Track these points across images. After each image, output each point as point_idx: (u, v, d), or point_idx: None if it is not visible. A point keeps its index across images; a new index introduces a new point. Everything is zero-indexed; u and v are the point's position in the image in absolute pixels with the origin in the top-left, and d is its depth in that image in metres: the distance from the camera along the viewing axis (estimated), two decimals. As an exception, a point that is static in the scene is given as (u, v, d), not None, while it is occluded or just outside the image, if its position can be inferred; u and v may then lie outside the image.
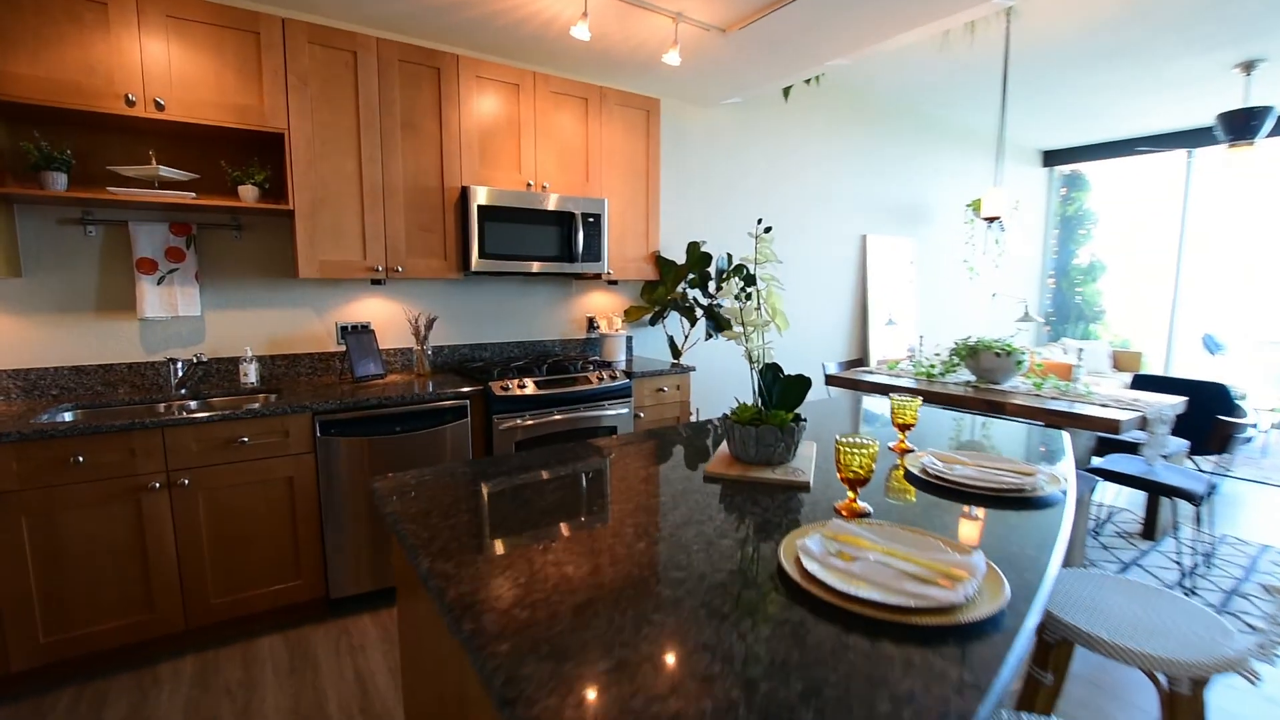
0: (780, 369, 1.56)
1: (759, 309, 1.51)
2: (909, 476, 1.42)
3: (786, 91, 4.05)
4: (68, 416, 2.25)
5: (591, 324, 3.74)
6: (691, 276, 3.71)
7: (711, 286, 3.68)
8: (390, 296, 3.07)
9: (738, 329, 1.51)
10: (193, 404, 2.47)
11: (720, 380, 4.30)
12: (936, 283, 5.78)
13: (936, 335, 5.66)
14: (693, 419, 3.77)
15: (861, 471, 1.18)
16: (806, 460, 1.52)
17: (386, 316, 3.07)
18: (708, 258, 3.63)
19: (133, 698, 2.01)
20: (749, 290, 1.48)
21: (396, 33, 2.91)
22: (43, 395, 2.37)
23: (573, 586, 0.92)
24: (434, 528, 1.14)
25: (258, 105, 2.38)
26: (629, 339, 3.87)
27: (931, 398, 3.09)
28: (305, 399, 2.39)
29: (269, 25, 2.36)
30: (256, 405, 2.28)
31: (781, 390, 1.52)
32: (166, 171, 2.28)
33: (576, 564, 0.99)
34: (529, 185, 3.06)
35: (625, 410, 3.11)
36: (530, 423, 2.81)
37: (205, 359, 2.61)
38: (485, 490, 1.34)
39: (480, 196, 2.83)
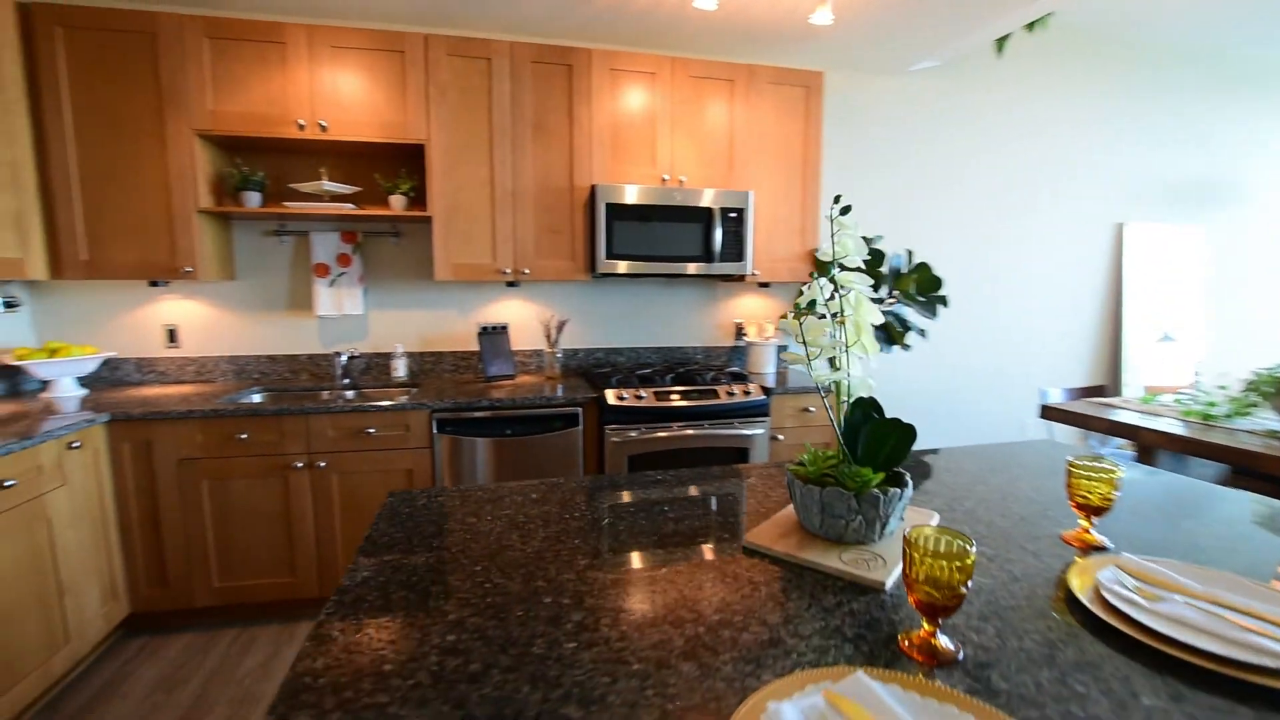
0: (876, 407, 1.11)
1: (842, 322, 1.09)
2: (1072, 600, 0.88)
3: (1000, 44, 3.21)
4: (257, 398, 2.65)
5: (740, 331, 3.39)
6: (859, 278, 3.14)
7: (884, 290, 3.07)
8: (526, 298, 3.11)
9: (797, 350, 1.10)
10: (349, 394, 2.75)
11: (889, 401, 3.60)
12: (1245, 288, 4.18)
13: (1238, 359, 4.08)
14: (849, 447, 3.19)
15: (939, 595, 0.72)
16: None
17: (523, 318, 3.11)
18: (879, 256, 3.03)
19: (269, 650, 2.26)
20: (808, 300, 1.07)
21: (529, 35, 2.90)
22: (246, 377, 2.84)
23: (419, 698, 0.67)
24: (379, 566, 0.99)
25: (402, 120, 2.54)
26: (781, 349, 3.43)
27: (1204, 450, 2.14)
28: (431, 395, 2.49)
29: (413, 43, 2.51)
30: (393, 400, 2.43)
31: (870, 439, 1.07)
32: (331, 186, 2.55)
33: (460, 659, 0.74)
34: (664, 180, 2.84)
35: (760, 431, 2.72)
36: (646, 436, 2.59)
37: (358, 354, 2.89)
38: (474, 524, 1.16)
39: (608, 195, 2.69)
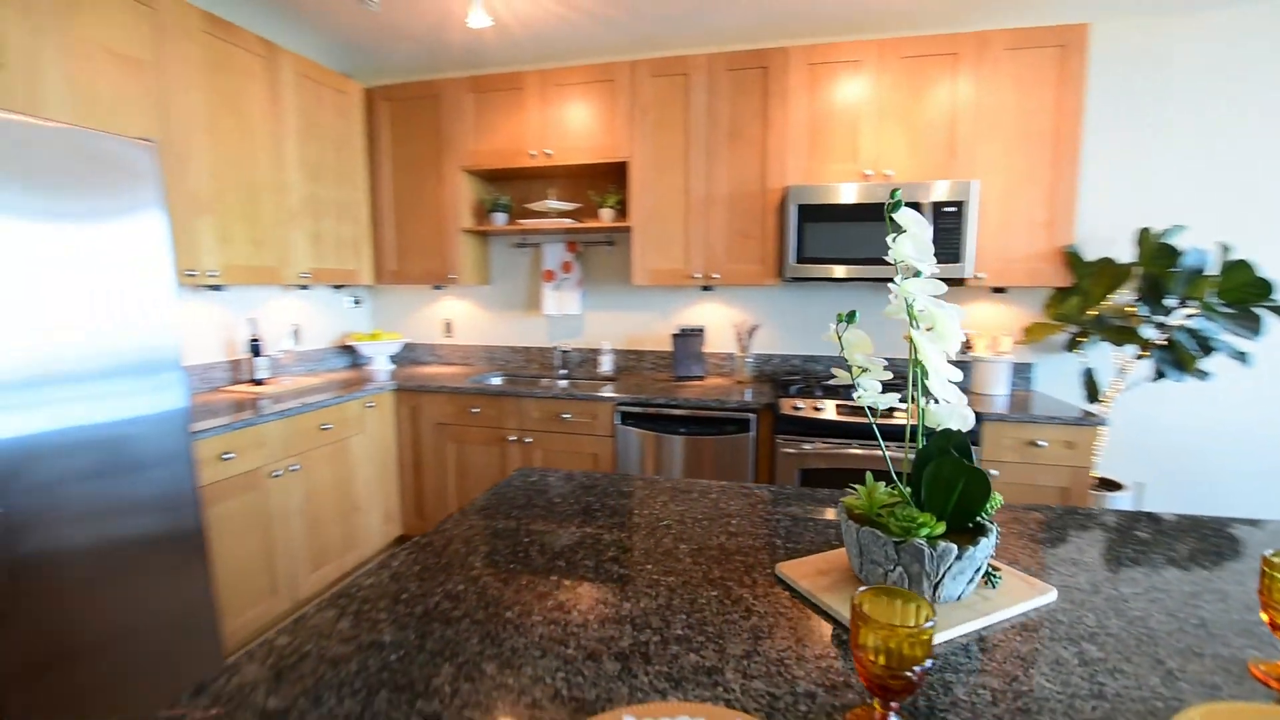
0: (960, 445, 0.92)
1: (908, 338, 0.93)
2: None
3: None
4: (496, 380, 3.25)
5: (966, 344, 2.91)
6: (1139, 284, 2.43)
7: (1172, 299, 2.31)
8: (722, 302, 3.16)
9: (841, 370, 0.96)
10: (562, 383, 3.17)
11: (1177, 444, 2.68)
12: None
13: None
14: (1099, 499, 2.49)
15: (880, 669, 0.60)
16: (973, 611, 0.85)
17: (717, 322, 3.17)
18: (1169, 253, 2.30)
19: (482, 587, 2.78)
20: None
21: (726, 44, 2.93)
22: (495, 363, 3.50)
23: (403, 623, 0.82)
24: (461, 522, 1.19)
25: (610, 141, 2.83)
26: (1019, 368, 2.83)
27: None
28: (622, 390, 2.74)
29: (620, 71, 2.78)
30: (585, 391, 2.76)
31: (933, 480, 0.89)
32: (554, 204, 2.99)
33: (451, 604, 0.87)
34: (866, 175, 2.61)
35: (964, 462, 2.32)
36: (821, 451, 2.44)
37: (569, 348, 3.31)
38: (556, 504, 1.29)
39: (799, 196, 2.59)
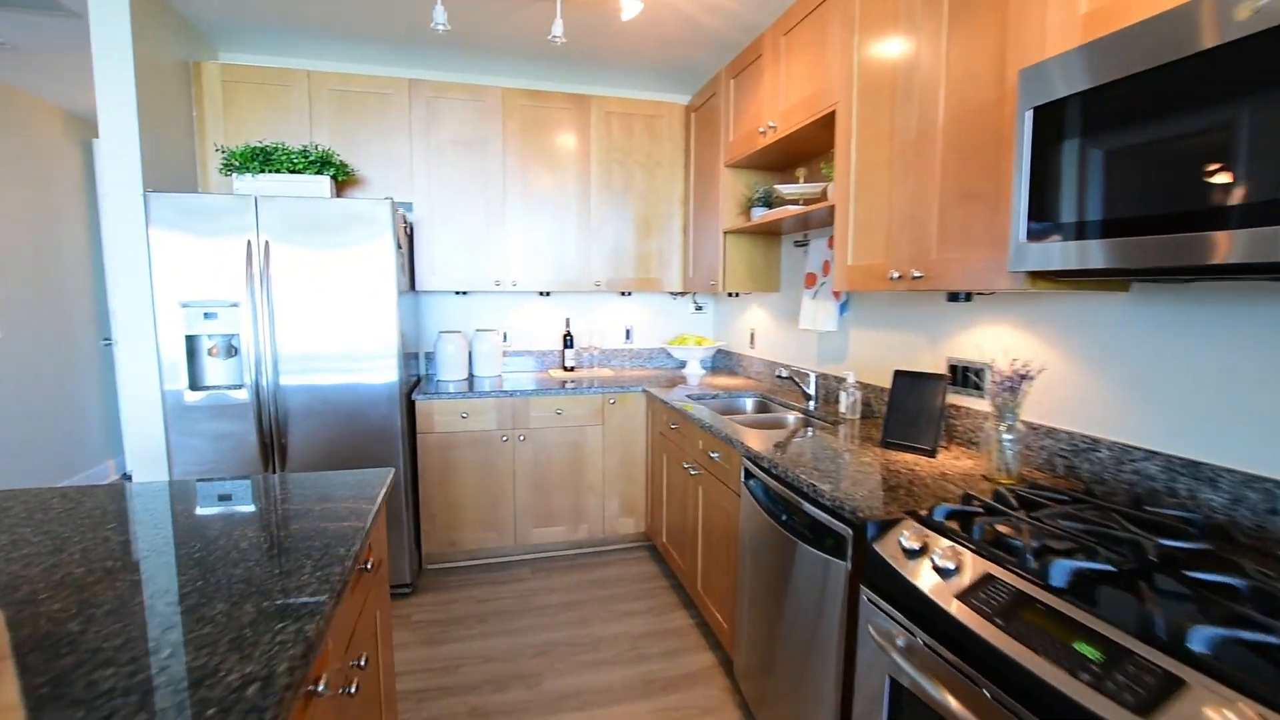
0: None
1: None
2: None
3: None
4: (748, 402, 2.83)
5: None
6: None
7: None
8: (1015, 322, 1.67)
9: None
10: (790, 417, 2.47)
11: None
12: None
13: None
14: None
15: None
16: None
17: (1002, 355, 1.71)
18: None
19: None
20: None
21: None
22: (773, 380, 2.99)
23: None
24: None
25: (822, 88, 2.02)
26: None
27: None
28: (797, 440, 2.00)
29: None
30: (728, 430, 2.15)
31: None
32: (785, 188, 2.36)
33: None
34: (1248, -35, 0.90)
35: None
36: (922, 658, 1.10)
37: (784, 374, 2.44)
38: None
39: (1038, 84, 1.17)
